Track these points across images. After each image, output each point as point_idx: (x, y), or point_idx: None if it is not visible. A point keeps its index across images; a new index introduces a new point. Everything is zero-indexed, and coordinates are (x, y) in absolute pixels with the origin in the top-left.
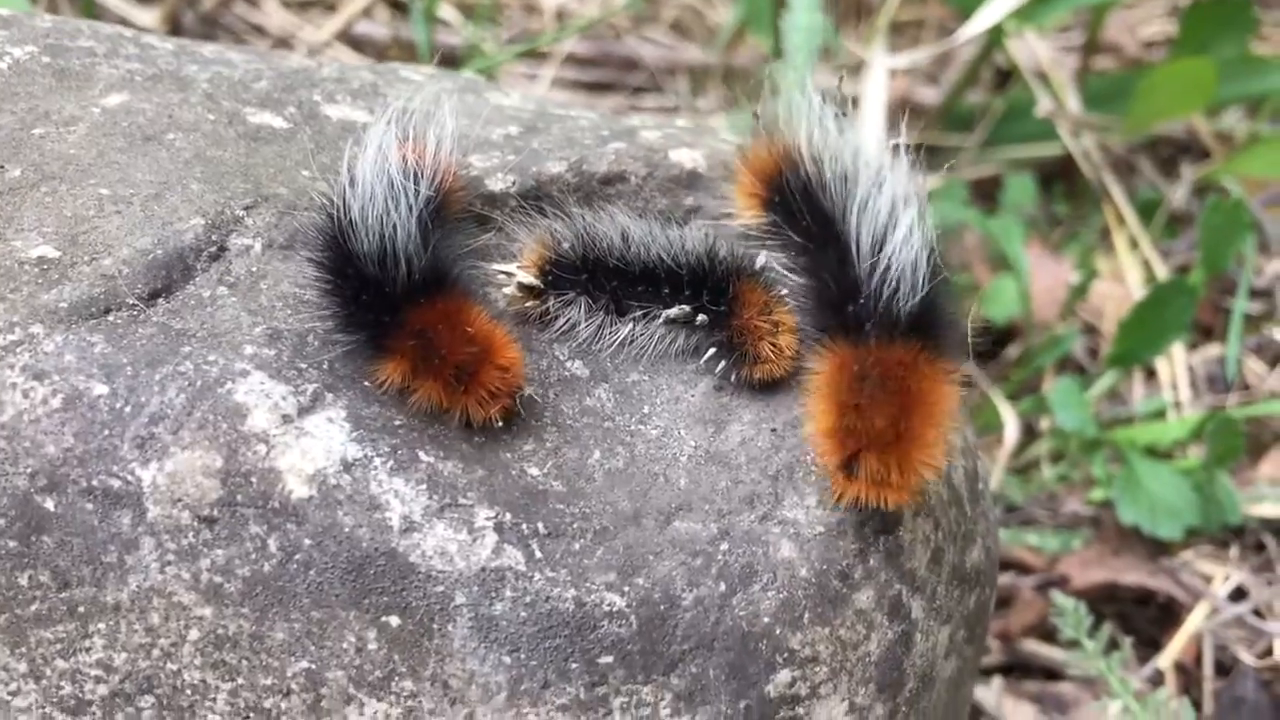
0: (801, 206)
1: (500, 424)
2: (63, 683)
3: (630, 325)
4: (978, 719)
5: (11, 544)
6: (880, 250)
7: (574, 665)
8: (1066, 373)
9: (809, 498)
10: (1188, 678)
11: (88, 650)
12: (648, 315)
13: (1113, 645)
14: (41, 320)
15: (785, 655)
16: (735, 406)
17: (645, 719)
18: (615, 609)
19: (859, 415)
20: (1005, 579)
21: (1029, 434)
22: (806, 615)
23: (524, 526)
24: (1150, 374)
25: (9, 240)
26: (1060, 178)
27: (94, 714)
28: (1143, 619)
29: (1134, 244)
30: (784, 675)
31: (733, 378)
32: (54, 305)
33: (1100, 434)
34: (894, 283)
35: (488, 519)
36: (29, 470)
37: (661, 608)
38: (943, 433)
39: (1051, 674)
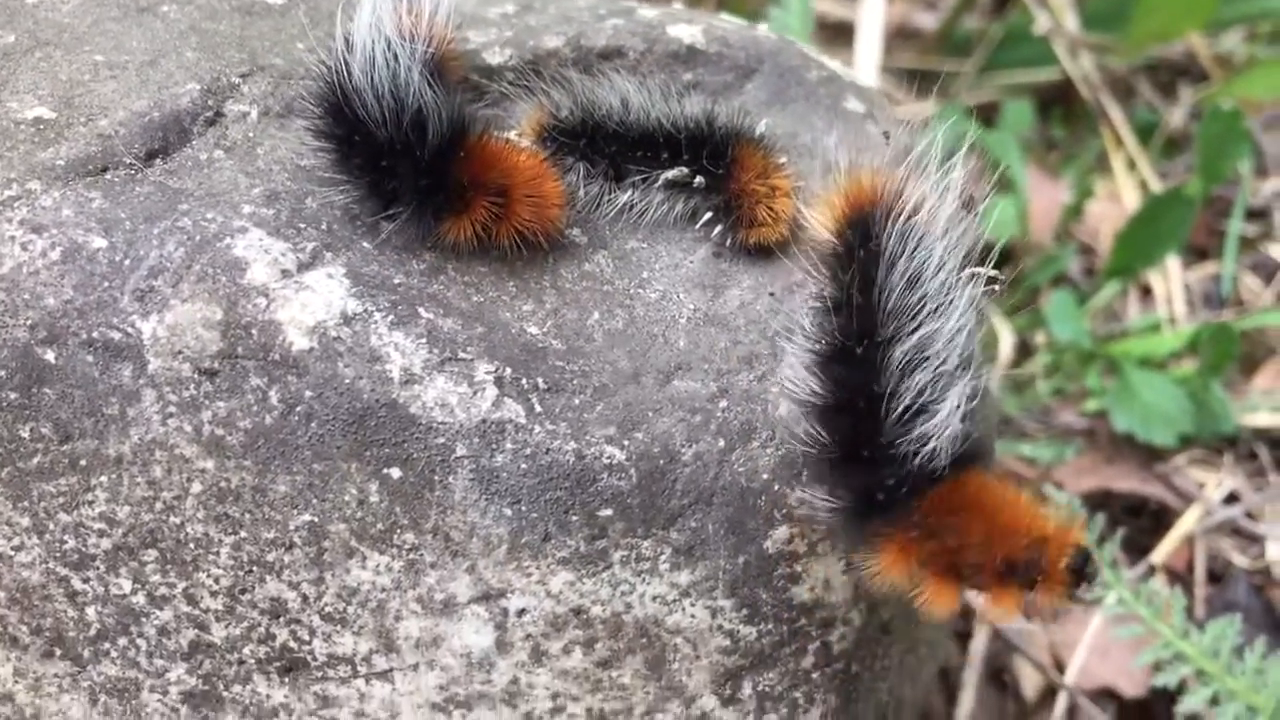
0: (856, 279)
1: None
2: (66, 537)
3: (629, 191)
4: (968, 618)
5: (12, 396)
6: (917, 420)
7: (574, 518)
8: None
9: None
10: (1180, 583)
11: (90, 504)
12: (647, 180)
13: (1103, 542)
14: (39, 177)
15: (784, 512)
16: (734, 272)
17: (645, 573)
18: (615, 462)
19: (967, 555)
20: None
21: (1025, 351)
22: (805, 472)
23: (524, 381)
24: (1146, 292)
25: (4, 102)
26: (1058, 103)
27: (97, 568)
28: (1135, 528)
29: (1131, 165)
30: (782, 531)
31: (729, 241)
32: (51, 163)
33: (1095, 346)
34: (929, 454)
35: (488, 373)
36: (29, 322)
37: (661, 462)
38: (1031, 505)
39: None
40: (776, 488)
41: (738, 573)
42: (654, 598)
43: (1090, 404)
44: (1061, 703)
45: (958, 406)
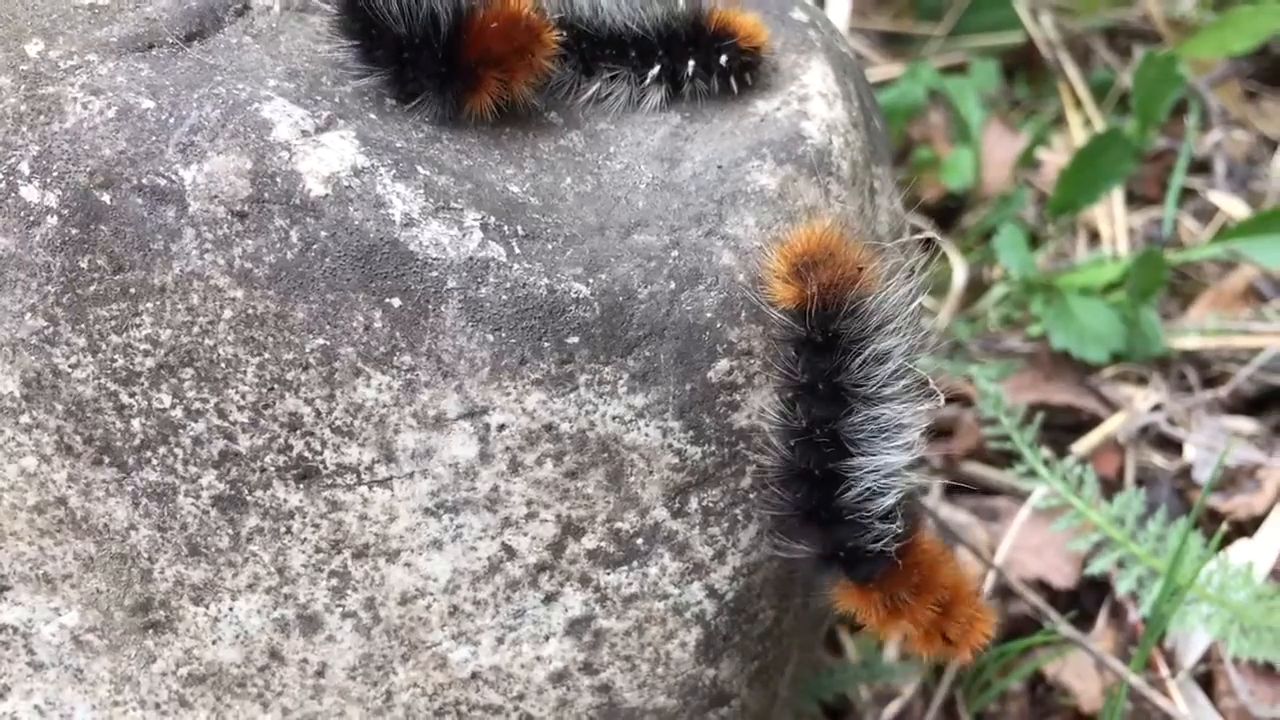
0: (818, 353)
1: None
2: (116, 356)
3: (597, 84)
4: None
5: (74, 231)
6: (873, 504)
7: (546, 344)
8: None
9: (748, 219)
10: (1111, 488)
11: (138, 326)
12: (615, 76)
13: (1025, 426)
14: (95, 51)
15: (725, 346)
16: (688, 149)
17: (606, 395)
18: (581, 296)
19: (913, 612)
20: (949, 410)
21: (979, 288)
22: (743, 314)
23: (505, 228)
24: (1094, 237)
25: None
26: (1023, 66)
27: (142, 384)
28: (1070, 443)
29: (1087, 122)
30: (723, 364)
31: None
32: (106, 39)
33: (1041, 278)
34: (878, 530)
35: (475, 220)
36: (88, 169)
37: (620, 299)
38: (970, 578)
39: (988, 491)
40: (718, 325)
41: (685, 398)
42: (614, 417)
43: (1034, 328)
44: (990, 582)
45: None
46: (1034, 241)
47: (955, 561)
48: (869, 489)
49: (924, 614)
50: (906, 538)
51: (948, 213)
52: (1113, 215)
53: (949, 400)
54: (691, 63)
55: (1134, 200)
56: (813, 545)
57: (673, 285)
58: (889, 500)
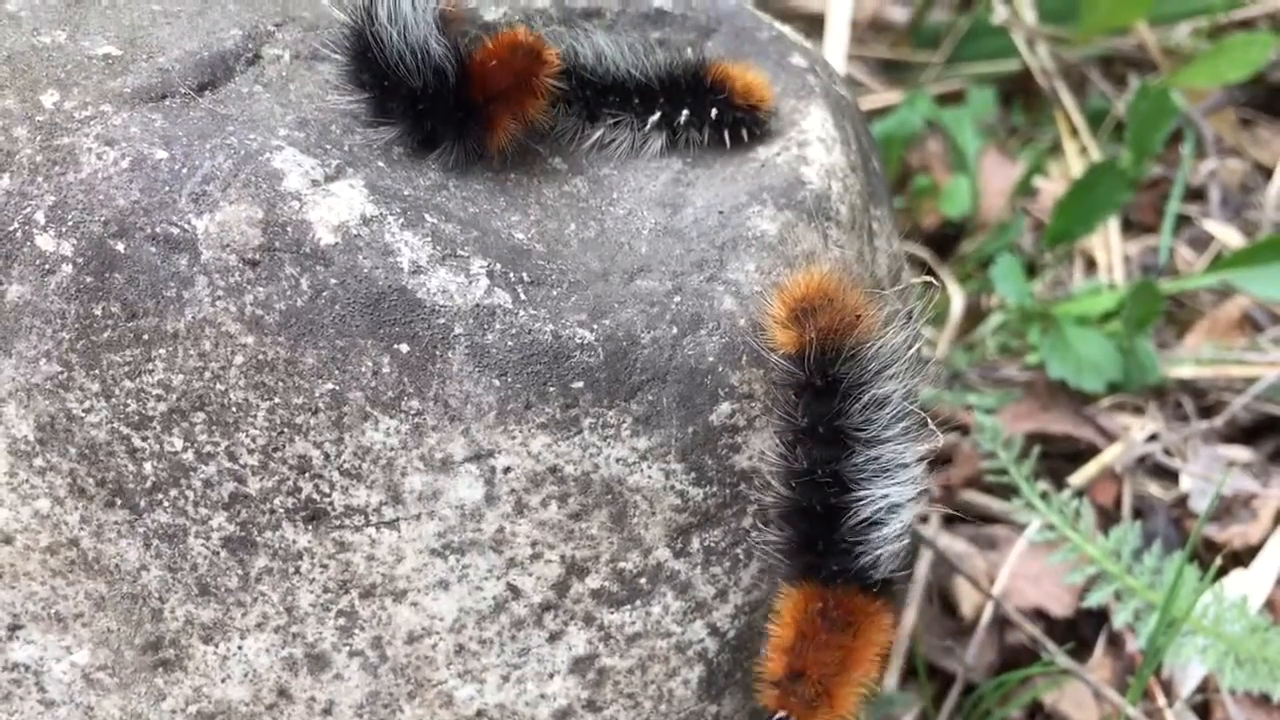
0: (817, 395)
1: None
2: (129, 400)
3: (601, 130)
4: (916, 546)
5: (88, 279)
6: (872, 532)
7: (551, 389)
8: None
9: (749, 264)
10: (1109, 518)
11: (150, 372)
12: (618, 122)
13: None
14: (109, 101)
15: (726, 390)
16: (690, 195)
17: (610, 438)
18: (586, 342)
19: (815, 643)
20: (948, 438)
21: (977, 316)
22: (744, 358)
23: (511, 275)
24: (1091, 265)
25: (79, 41)
26: (1019, 93)
27: (154, 428)
28: (1068, 472)
29: (1084, 150)
30: (725, 407)
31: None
32: (119, 90)
33: (1038, 307)
34: (875, 558)
35: (481, 267)
36: (103, 219)
37: (624, 344)
38: (869, 679)
39: (987, 519)
40: (720, 369)
41: (687, 441)
42: (617, 460)
43: (1031, 358)
44: (988, 612)
45: (902, 528)
46: (1031, 269)
47: (883, 645)
48: (867, 520)
49: (831, 653)
50: (892, 581)
51: (946, 240)
52: (1109, 244)
53: (947, 428)
54: (685, 113)
55: (1130, 227)
56: (803, 562)
57: (675, 330)
58: (888, 530)
